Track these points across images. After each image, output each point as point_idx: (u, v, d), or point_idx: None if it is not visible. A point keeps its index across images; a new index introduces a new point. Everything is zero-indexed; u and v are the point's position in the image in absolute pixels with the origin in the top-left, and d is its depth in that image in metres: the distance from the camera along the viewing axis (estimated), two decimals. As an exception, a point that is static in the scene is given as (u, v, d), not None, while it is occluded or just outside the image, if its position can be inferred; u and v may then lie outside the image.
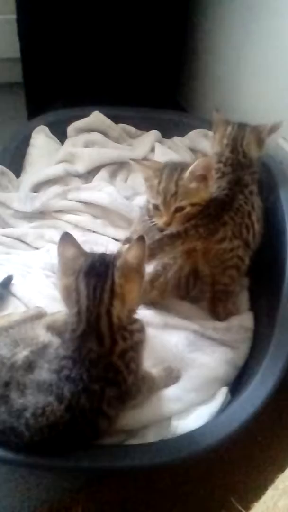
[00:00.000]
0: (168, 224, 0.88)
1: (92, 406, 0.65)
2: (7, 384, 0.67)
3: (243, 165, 1.00)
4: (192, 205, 0.88)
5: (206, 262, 0.92)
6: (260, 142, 1.04)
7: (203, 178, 0.87)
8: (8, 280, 0.95)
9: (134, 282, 0.66)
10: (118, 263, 0.65)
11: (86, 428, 0.67)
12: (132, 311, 0.68)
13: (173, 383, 0.81)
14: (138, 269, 0.66)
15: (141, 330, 0.70)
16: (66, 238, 0.67)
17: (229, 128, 1.04)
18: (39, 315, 0.84)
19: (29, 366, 0.68)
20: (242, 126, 1.05)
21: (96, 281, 0.64)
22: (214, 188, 0.93)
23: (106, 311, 0.64)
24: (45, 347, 0.70)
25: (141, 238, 0.66)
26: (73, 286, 0.65)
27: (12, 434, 0.65)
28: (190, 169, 0.86)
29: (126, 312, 0.66)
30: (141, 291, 0.68)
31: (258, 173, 1.01)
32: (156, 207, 0.90)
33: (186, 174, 0.87)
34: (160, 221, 0.89)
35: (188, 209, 0.88)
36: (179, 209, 0.88)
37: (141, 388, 0.74)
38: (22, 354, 0.69)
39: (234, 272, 0.93)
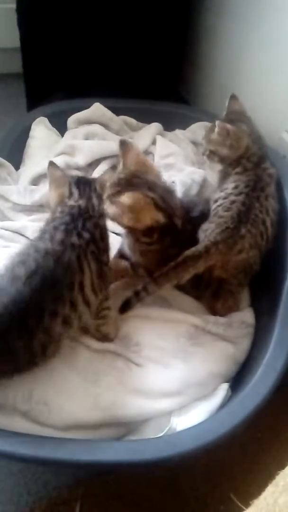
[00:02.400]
0: None
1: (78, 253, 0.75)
2: None
3: (265, 157, 0.98)
4: None
5: (222, 271, 0.90)
6: None
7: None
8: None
9: None
10: (97, 182, 0.87)
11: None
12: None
13: None
14: None
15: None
16: (54, 164, 0.86)
17: (244, 127, 0.99)
18: None
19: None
20: (245, 119, 1.02)
21: (84, 185, 0.85)
22: (231, 187, 0.92)
23: (96, 195, 0.85)
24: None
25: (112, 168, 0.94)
26: (66, 192, 0.84)
27: None
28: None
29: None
30: None
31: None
32: None
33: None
34: None
35: None
36: None
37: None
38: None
39: (243, 276, 0.93)
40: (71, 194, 0.83)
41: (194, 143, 1.31)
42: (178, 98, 1.64)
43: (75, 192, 0.83)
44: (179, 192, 1.09)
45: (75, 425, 0.75)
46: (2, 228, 1.09)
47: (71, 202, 0.82)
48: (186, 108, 1.45)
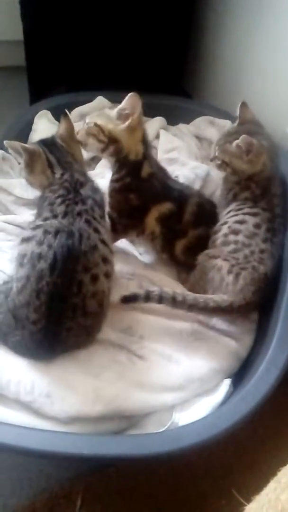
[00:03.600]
0: None
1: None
2: None
3: (275, 178, 0.97)
4: None
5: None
6: None
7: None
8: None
9: (73, 145, 0.91)
10: (57, 138, 0.91)
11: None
12: (81, 163, 0.94)
13: None
14: (72, 137, 0.92)
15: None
16: (18, 143, 0.87)
17: (264, 142, 0.94)
18: None
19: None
20: (263, 131, 0.99)
21: (56, 148, 0.89)
22: (251, 224, 0.91)
23: (72, 158, 0.89)
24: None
25: (65, 114, 0.92)
26: (45, 161, 0.86)
27: None
28: None
29: (80, 163, 0.92)
30: (80, 150, 0.94)
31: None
32: None
33: None
34: None
35: None
36: None
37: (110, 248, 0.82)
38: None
39: None
40: (50, 164, 0.85)
41: (198, 137, 1.31)
42: (181, 92, 1.63)
43: (53, 159, 0.86)
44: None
45: (77, 417, 0.75)
46: (4, 222, 1.08)
47: (57, 174, 0.85)
48: (190, 102, 1.44)
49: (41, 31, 1.36)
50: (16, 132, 1.27)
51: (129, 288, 0.92)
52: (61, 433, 0.73)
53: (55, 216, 0.77)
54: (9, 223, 1.08)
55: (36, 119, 1.30)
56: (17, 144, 0.87)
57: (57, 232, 0.75)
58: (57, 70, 1.44)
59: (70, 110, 1.32)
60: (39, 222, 0.78)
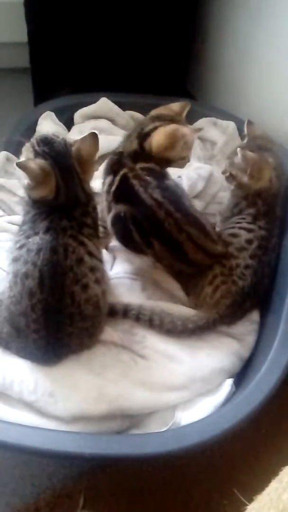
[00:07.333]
0: None
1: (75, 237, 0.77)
2: None
3: (281, 196, 0.96)
4: None
5: None
6: None
7: None
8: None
9: (89, 168, 0.83)
10: (73, 153, 0.79)
11: None
12: (88, 183, 0.84)
13: None
14: (91, 160, 0.83)
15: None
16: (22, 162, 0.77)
17: (270, 159, 0.94)
18: None
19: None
20: (273, 148, 0.98)
21: (65, 172, 0.78)
22: (244, 239, 0.91)
23: (78, 180, 0.80)
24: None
25: (95, 136, 0.80)
26: (53, 186, 0.76)
27: None
28: None
29: (87, 185, 0.83)
30: (93, 172, 0.85)
31: None
32: None
33: None
34: None
35: None
36: None
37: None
38: None
39: None
40: (58, 189, 0.77)
41: (201, 139, 1.30)
42: (185, 93, 1.63)
43: (61, 185, 0.77)
44: (185, 186, 1.09)
45: (80, 416, 0.75)
46: (8, 222, 1.09)
47: (58, 198, 0.78)
48: (193, 103, 1.42)
49: (45, 33, 1.37)
50: (21, 133, 1.28)
51: (133, 288, 0.92)
52: (64, 432, 0.73)
53: (36, 233, 0.76)
54: (13, 224, 1.09)
55: (40, 120, 1.30)
56: (30, 165, 0.75)
57: (39, 250, 0.74)
58: (61, 71, 1.44)
59: (74, 111, 1.33)
60: (23, 241, 0.77)
